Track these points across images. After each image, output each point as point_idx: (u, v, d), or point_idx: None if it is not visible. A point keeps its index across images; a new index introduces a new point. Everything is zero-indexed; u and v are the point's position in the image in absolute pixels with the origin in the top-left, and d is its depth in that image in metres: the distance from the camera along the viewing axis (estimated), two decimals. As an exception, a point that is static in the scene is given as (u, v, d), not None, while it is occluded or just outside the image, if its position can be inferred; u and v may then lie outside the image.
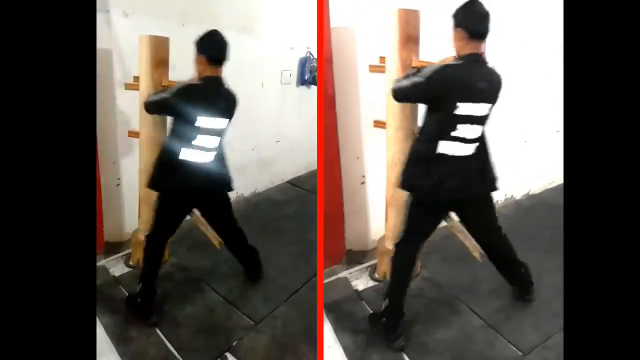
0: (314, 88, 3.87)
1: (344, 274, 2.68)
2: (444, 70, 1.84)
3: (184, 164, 2.15)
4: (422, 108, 2.32)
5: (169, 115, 2.25)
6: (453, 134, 1.86)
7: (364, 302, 2.46)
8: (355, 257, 2.79)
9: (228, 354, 2.18)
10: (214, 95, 2.15)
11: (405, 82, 1.95)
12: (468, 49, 1.86)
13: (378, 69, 2.33)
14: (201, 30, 2.17)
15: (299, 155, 4.01)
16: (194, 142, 2.13)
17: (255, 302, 2.52)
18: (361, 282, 2.61)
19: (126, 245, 2.97)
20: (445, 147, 1.89)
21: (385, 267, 2.55)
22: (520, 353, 2.11)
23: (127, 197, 2.96)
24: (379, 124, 2.44)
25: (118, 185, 2.92)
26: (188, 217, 2.71)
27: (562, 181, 3.38)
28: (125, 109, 2.77)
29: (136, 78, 2.62)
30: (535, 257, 2.67)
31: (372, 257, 2.76)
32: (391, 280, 2.18)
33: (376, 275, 2.63)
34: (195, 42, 2.15)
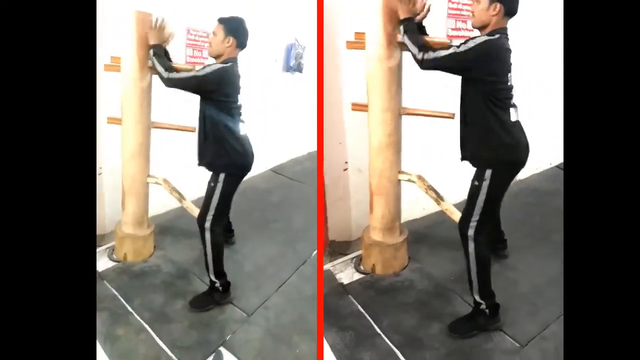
0: (298, 75, 3.85)
1: (327, 266, 2.52)
2: (491, 43, 1.83)
3: (244, 140, 2.23)
4: (408, 87, 2.21)
5: (197, 93, 2.17)
6: (513, 101, 1.91)
7: (350, 296, 2.31)
8: (339, 248, 2.64)
9: (222, 349, 2.06)
10: (239, 76, 2.21)
11: (446, 52, 1.88)
12: (500, 24, 1.86)
13: (357, 45, 2.16)
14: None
15: (281, 142, 3.93)
16: (242, 119, 2.21)
17: (246, 293, 2.41)
18: (346, 275, 2.46)
19: (108, 237, 2.84)
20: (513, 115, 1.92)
21: (373, 259, 2.41)
22: (518, 345, 1.98)
23: (108, 187, 2.80)
24: (359, 107, 2.28)
25: (100, 174, 2.77)
26: (177, 205, 2.64)
27: (548, 166, 3.35)
28: (103, 92, 2.58)
29: (115, 59, 2.45)
30: (527, 244, 2.58)
31: (356, 247, 2.62)
32: (482, 276, 2.00)
33: (361, 268, 2.48)
34: (226, 23, 2.14)
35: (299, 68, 3.80)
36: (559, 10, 1.55)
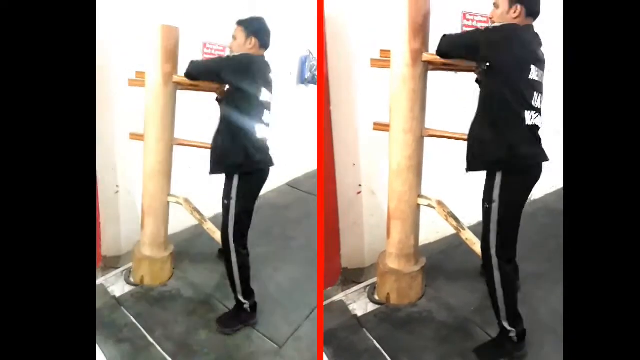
0: (313, 87, 3.80)
1: (339, 296, 2.37)
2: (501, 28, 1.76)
3: (261, 143, 2.08)
4: (432, 108, 2.08)
5: (219, 81, 2.14)
6: (533, 103, 1.75)
7: (364, 330, 2.15)
8: (351, 276, 2.49)
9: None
10: (268, 68, 2.13)
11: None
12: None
13: (381, 63, 2.03)
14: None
15: (296, 156, 3.86)
16: (263, 118, 2.08)
17: (275, 321, 2.28)
18: (359, 306, 2.30)
19: (125, 259, 2.73)
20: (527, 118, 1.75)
21: (388, 287, 2.26)
22: (548, 381, 1.88)
23: (125, 206, 2.71)
24: (380, 127, 2.15)
25: (117, 192, 2.68)
26: (194, 223, 2.59)
27: (562, 185, 3.24)
28: (126, 108, 2.52)
29: (139, 74, 2.37)
30: (546, 269, 2.46)
31: (370, 275, 2.47)
32: (513, 303, 1.91)
33: (376, 297, 2.33)
34: (246, 24, 2.09)
35: (313, 80, 3.75)
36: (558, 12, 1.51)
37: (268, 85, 2.09)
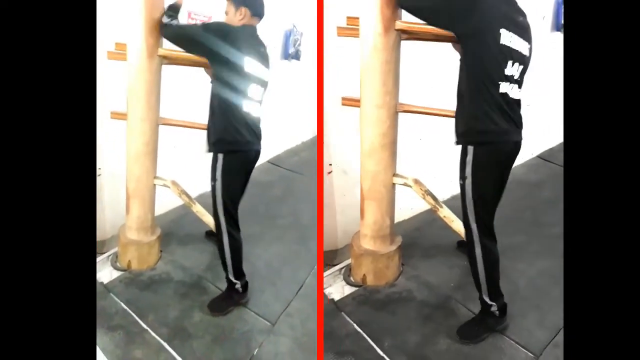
0: (296, 62, 3.73)
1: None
2: None
3: (248, 119, 2.00)
4: (405, 82, 1.97)
5: (196, 53, 2.03)
6: (506, 71, 1.64)
7: (343, 314, 2.08)
8: (325, 259, 2.39)
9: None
10: (257, 40, 2.02)
11: None
12: None
13: (349, 32, 1.89)
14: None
15: (276, 133, 3.72)
16: (248, 93, 1.98)
17: (266, 299, 2.27)
18: (336, 290, 2.22)
19: (110, 243, 2.64)
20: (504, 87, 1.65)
21: (364, 269, 2.18)
22: (532, 355, 1.85)
23: (109, 189, 2.59)
24: (350, 102, 2.03)
25: (100, 175, 2.55)
26: (180, 203, 2.56)
27: (530, 157, 3.25)
28: (106, 83, 2.34)
29: (120, 45, 2.21)
30: (523, 241, 2.44)
31: (343, 257, 2.39)
32: (494, 278, 1.89)
33: (352, 279, 2.25)
34: None
35: (297, 55, 3.65)
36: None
37: (257, 56, 1.98)
